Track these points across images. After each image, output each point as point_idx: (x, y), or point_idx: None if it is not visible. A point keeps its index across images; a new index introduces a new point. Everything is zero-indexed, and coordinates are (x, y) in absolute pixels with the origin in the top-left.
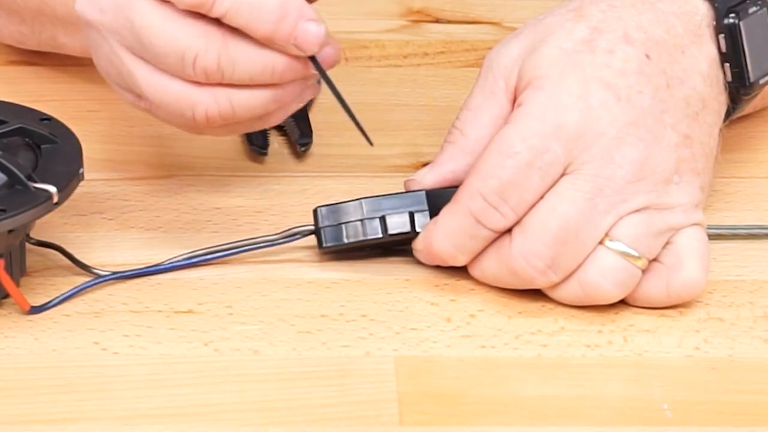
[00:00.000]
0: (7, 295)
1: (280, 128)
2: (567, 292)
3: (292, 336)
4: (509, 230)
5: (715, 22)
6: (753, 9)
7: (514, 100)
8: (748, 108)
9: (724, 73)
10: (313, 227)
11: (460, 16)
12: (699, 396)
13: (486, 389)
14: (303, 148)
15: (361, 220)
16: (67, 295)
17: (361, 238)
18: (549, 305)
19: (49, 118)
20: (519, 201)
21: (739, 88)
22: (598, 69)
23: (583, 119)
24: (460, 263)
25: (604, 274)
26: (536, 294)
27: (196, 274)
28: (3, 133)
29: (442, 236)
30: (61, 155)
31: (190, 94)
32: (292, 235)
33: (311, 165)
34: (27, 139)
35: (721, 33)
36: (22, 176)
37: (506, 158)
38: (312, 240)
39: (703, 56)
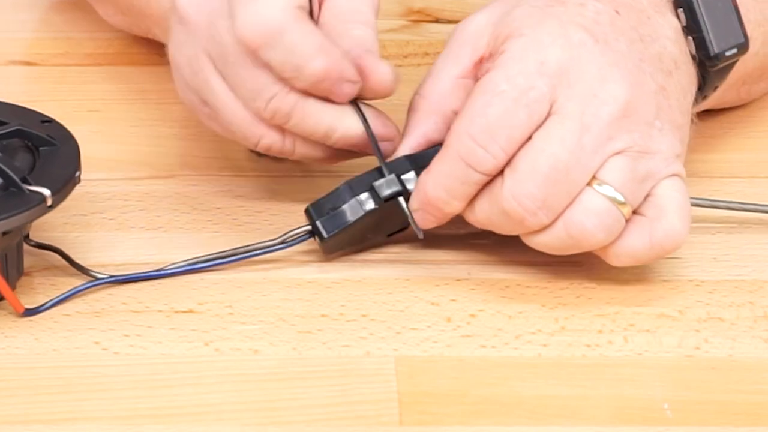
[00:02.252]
0: (2, 297)
1: None
2: (552, 236)
3: (292, 336)
4: (501, 174)
5: None
6: None
7: (480, 62)
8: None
9: (688, 45)
10: (309, 226)
11: (460, 16)
12: (699, 396)
13: (486, 389)
14: None
15: (353, 198)
16: (61, 297)
17: (358, 215)
18: (549, 305)
19: (50, 120)
20: (507, 139)
21: (704, 61)
22: (573, 16)
23: (565, 56)
24: (455, 209)
25: (590, 217)
26: (536, 294)
27: (197, 274)
28: (2, 134)
29: (435, 182)
30: (58, 158)
31: (259, 126)
32: (291, 240)
33: (311, 165)
34: (26, 141)
35: (680, 8)
36: (16, 178)
37: (492, 97)
38: (312, 240)
39: (667, 25)
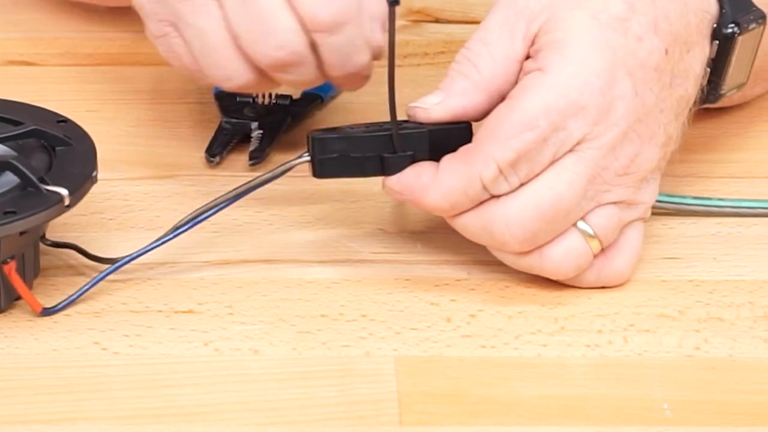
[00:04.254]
0: (19, 297)
1: (246, 136)
2: (523, 262)
3: (292, 336)
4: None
5: (715, 26)
6: (753, 25)
7: (531, 45)
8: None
9: (704, 75)
10: (309, 157)
11: (460, 16)
12: (699, 396)
13: (486, 389)
14: (252, 161)
15: (359, 155)
16: (76, 295)
17: (356, 174)
18: (549, 305)
19: (65, 120)
20: (528, 173)
21: (708, 94)
22: (626, 55)
23: (604, 107)
24: (444, 215)
25: (567, 256)
26: (536, 294)
27: (197, 274)
28: (18, 134)
29: (441, 194)
30: (75, 157)
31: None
32: (289, 168)
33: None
34: (42, 141)
35: (716, 40)
36: (34, 178)
37: (527, 130)
38: (312, 237)
39: (700, 57)
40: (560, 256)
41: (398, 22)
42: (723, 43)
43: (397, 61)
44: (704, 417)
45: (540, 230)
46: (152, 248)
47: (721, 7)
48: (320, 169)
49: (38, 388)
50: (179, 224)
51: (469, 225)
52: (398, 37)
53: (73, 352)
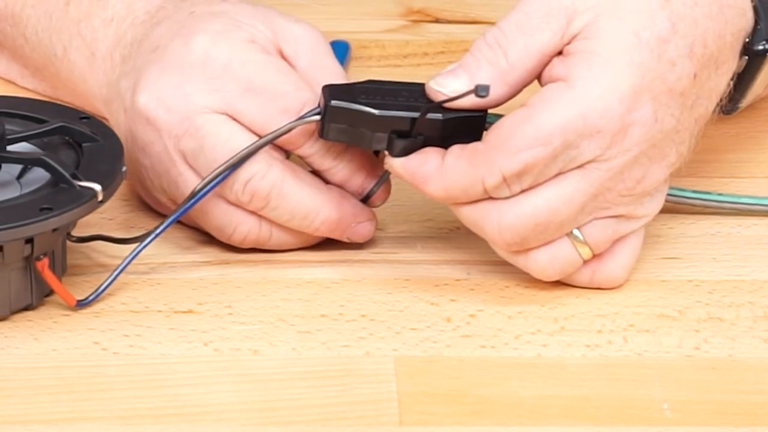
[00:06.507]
0: (50, 293)
1: None
2: (509, 258)
3: (292, 336)
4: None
5: (747, 41)
6: None
7: (567, 43)
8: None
9: (726, 91)
10: (319, 116)
11: (460, 16)
12: (699, 396)
13: (486, 389)
14: None
15: (370, 131)
16: (108, 283)
17: (363, 146)
18: (549, 305)
19: (88, 117)
20: (532, 183)
21: (725, 107)
22: (654, 80)
23: (621, 131)
24: (441, 202)
25: (553, 262)
26: (536, 294)
27: (197, 275)
28: (46, 131)
29: (441, 187)
30: (103, 153)
31: (235, 214)
32: (297, 126)
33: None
34: (68, 138)
35: (746, 56)
36: (67, 175)
37: (539, 145)
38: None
39: (728, 74)
40: (546, 261)
41: (398, 22)
42: (752, 60)
43: (396, 61)
44: (704, 417)
45: (530, 237)
46: (175, 218)
47: (756, 24)
48: (327, 133)
49: (38, 388)
50: (196, 189)
51: (463, 216)
52: (398, 37)
53: (73, 352)
